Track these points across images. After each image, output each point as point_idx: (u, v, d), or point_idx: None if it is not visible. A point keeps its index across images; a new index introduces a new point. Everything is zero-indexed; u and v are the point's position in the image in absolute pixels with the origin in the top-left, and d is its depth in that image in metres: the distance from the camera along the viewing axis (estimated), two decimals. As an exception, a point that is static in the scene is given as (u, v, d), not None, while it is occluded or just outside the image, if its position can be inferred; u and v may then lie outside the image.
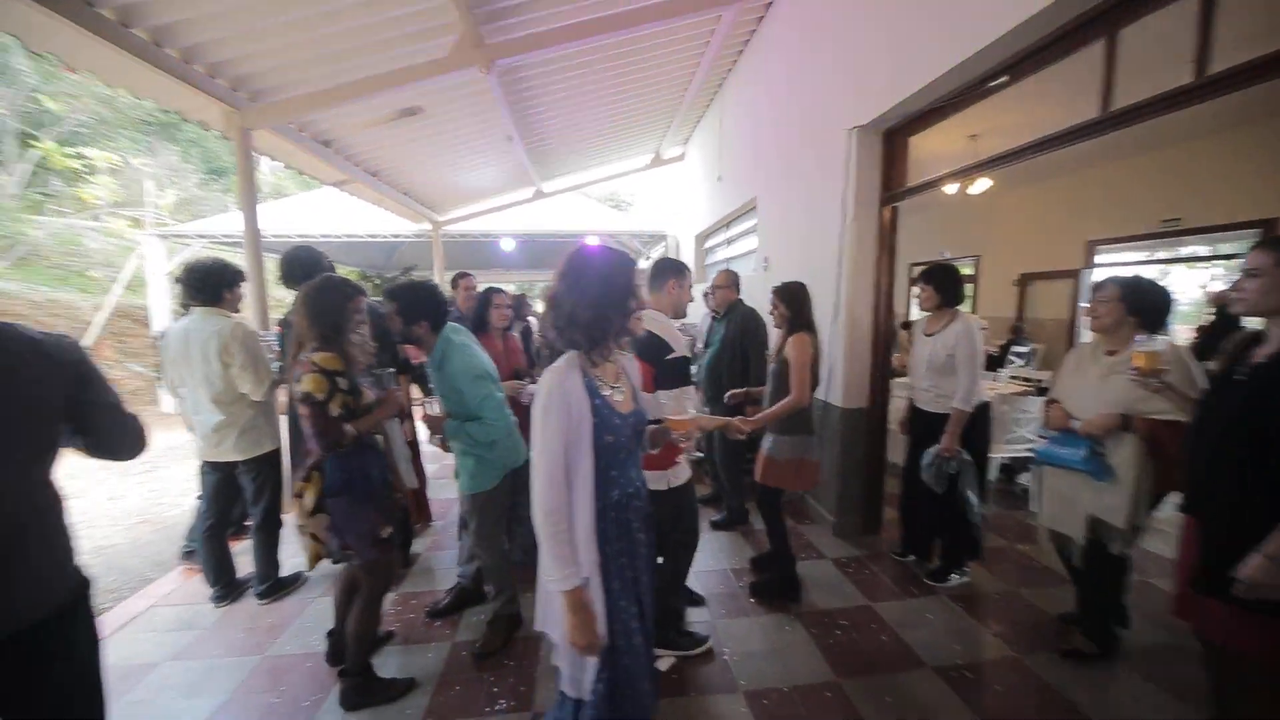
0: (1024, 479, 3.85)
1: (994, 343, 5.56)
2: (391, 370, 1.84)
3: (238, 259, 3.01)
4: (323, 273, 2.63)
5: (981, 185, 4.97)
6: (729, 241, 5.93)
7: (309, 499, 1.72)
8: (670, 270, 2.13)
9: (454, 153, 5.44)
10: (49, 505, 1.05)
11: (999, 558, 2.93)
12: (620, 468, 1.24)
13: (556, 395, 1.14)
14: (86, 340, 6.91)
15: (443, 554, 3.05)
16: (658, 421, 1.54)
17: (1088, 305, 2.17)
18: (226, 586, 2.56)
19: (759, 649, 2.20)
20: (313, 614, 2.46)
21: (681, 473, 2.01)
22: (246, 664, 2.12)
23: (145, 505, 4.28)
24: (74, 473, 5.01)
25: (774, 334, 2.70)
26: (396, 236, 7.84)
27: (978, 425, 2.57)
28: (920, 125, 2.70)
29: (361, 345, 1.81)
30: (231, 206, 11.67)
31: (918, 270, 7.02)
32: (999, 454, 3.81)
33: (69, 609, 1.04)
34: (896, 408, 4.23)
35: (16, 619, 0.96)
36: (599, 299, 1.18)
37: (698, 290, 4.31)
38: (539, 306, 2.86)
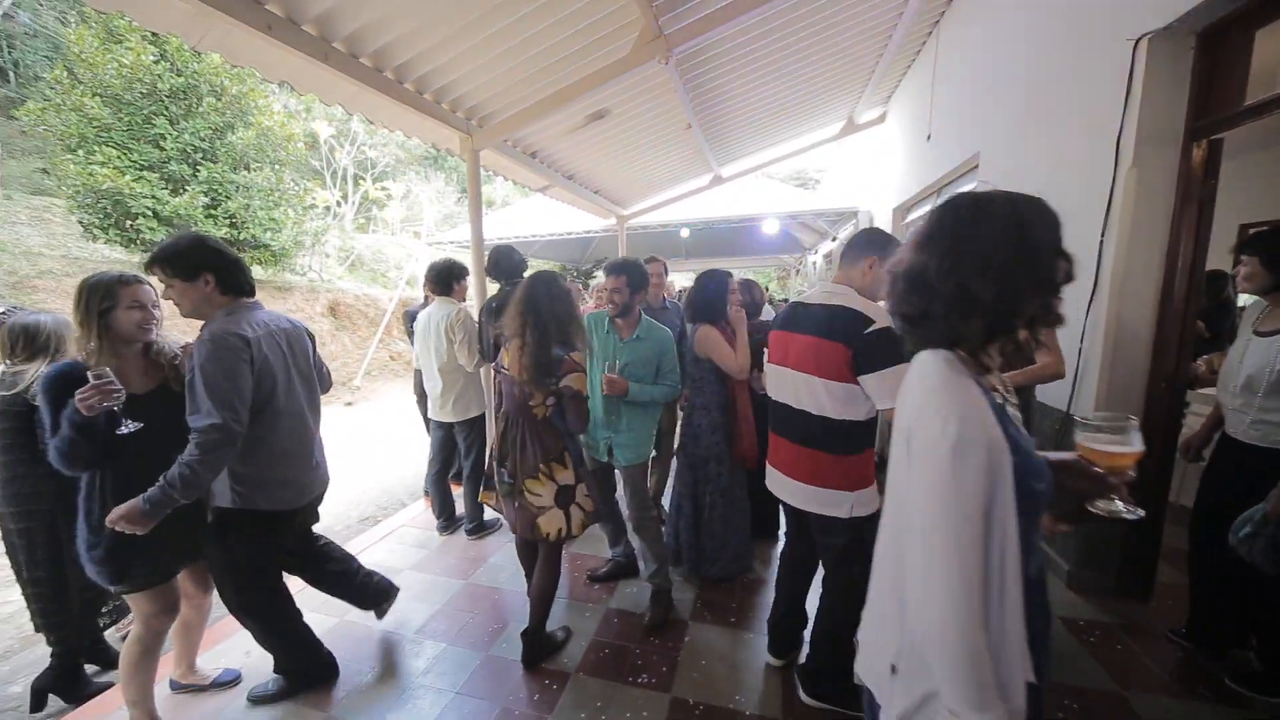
0: None
1: None
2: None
3: (467, 258, 3.75)
4: (521, 269, 3.07)
5: None
6: (937, 214, 4.96)
7: (569, 473, 1.95)
8: (874, 243, 1.62)
9: (636, 148, 5.74)
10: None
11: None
12: (1037, 530, 0.81)
13: (974, 423, 0.71)
14: (383, 323, 9.49)
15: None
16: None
17: None
18: (448, 520, 3.21)
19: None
20: (503, 556, 2.91)
21: (873, 498, 1.61)
22: (455, 585, 2.63)
23: (410, 447, 5.68)
24: (371, 423, 6.86)
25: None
26: (588, 232, 8.69)
27: None
28: (1277, 7, 1.79)
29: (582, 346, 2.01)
30: (474, 217, 14.66)
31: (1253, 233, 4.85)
32: None
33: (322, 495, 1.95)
34: (1191, 427, 3.04)
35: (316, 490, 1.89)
36: (1010, 263, 0.76)
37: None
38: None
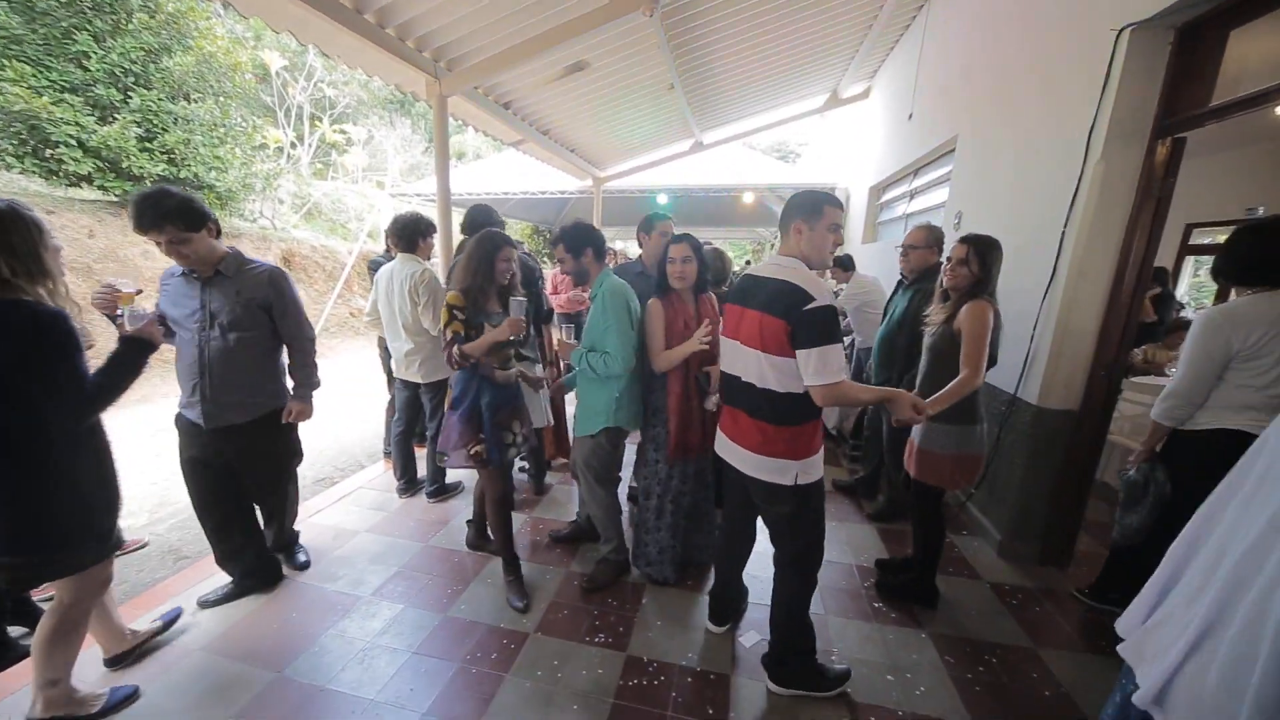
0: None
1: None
2: (522, 299, 2.01)
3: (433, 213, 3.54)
4: (491, 227, 2.99)
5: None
6: (911, 194, 5.02)
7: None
8: (801, 208, 1.57)
9: (616, 107, 5.50)
10: (275, 355, 2.12)
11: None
12: None
13: None
14: (341, 277, 9.02)
15: (573, 487, 3.32)
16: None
17: None
18: (408, 482, 3.16)
19: (877, 660, 1.95)
20: (464, 519, 2.89)
21: (817, 466, 1.65)
22: (414, 547, 2.61)
23: (370, 406, 5.52)
24: (329, 382, 6.60)
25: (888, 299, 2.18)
26: (563, 193, 8.40)
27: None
28: (1254, 9, 1.82)
29: (492, 291, 2.09)
30: (442, 169, 13.83)
31: (1202, 236, 5.12)
32: None
33: (272, 413, 2.09)
34: (1128, 415, 3.26)
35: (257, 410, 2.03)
36: None
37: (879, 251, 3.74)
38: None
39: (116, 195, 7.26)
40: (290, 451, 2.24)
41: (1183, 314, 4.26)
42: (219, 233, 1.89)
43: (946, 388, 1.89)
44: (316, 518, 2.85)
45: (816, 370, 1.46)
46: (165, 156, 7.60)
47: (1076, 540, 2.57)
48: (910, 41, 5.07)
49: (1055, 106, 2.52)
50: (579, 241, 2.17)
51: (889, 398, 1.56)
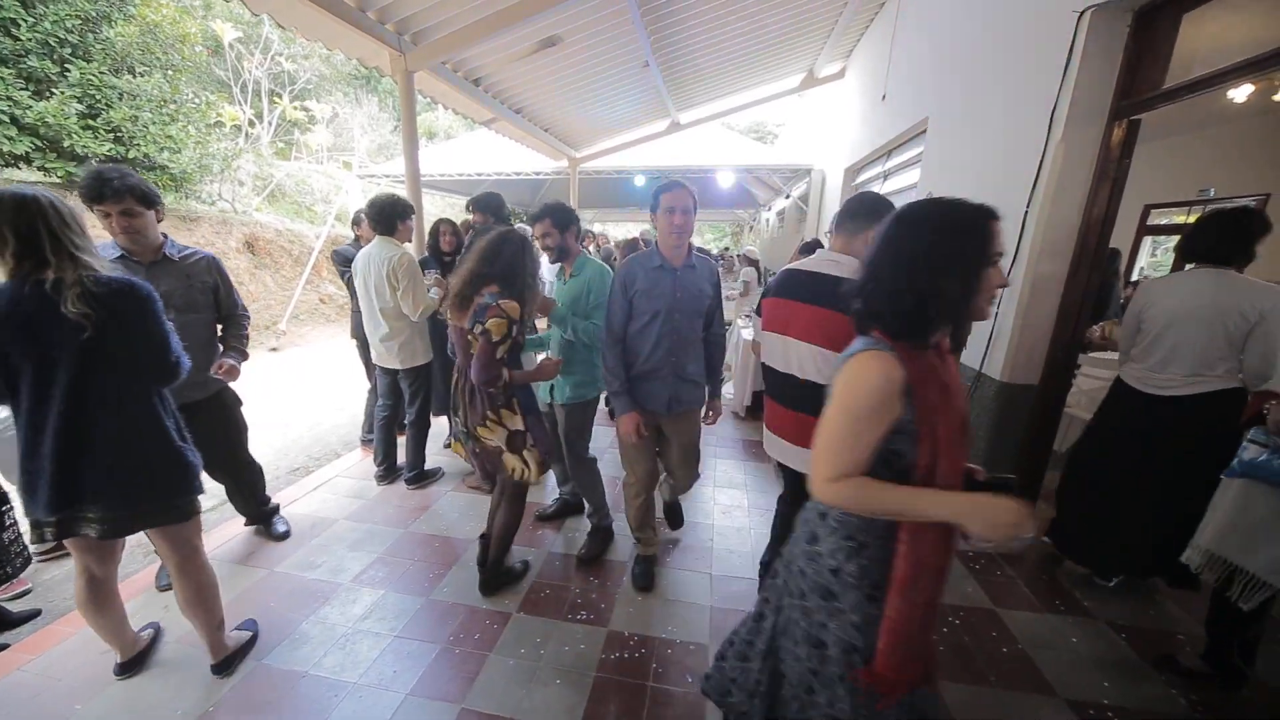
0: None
1: None
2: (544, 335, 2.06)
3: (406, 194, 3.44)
4: (504, 216, 3.07)
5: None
6: (885, 175, 5.08)
7: (517, 419, 1.93)
8: (877, 213, 1.59)
9: (590, 85, 5.39)
10: (215, 335, 2.19)
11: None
12: None
13: None
14: (309, 262, 8.69)
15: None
16: None
17: None
18: (387, 469, 3.13)
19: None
20: (444, 504, 2.90)
21: None
22: (394, 534, 2.60)
23: (345, 395, 5.41)
24: (300, 370, 6.44)
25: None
26: (539, 174, 8.23)
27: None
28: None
29: (537, 294, 2.00)
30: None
31: (1160, 216, 5.32)
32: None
33: (218, 393, 2.19)
34: (1085, 389, 3.41)
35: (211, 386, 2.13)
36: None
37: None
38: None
39: (60, 177, 6.82)
40: (241, 425, 2.38)
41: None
42: (160, 220, 1.98)
43: None
44: (293, 507, 2.80)
45: None
46: (111, 135, 7.15)
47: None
48: (884, 21, 5.07)
49: (1020, 89, 2.57)
50: (565, 219, 2.19)
51: None
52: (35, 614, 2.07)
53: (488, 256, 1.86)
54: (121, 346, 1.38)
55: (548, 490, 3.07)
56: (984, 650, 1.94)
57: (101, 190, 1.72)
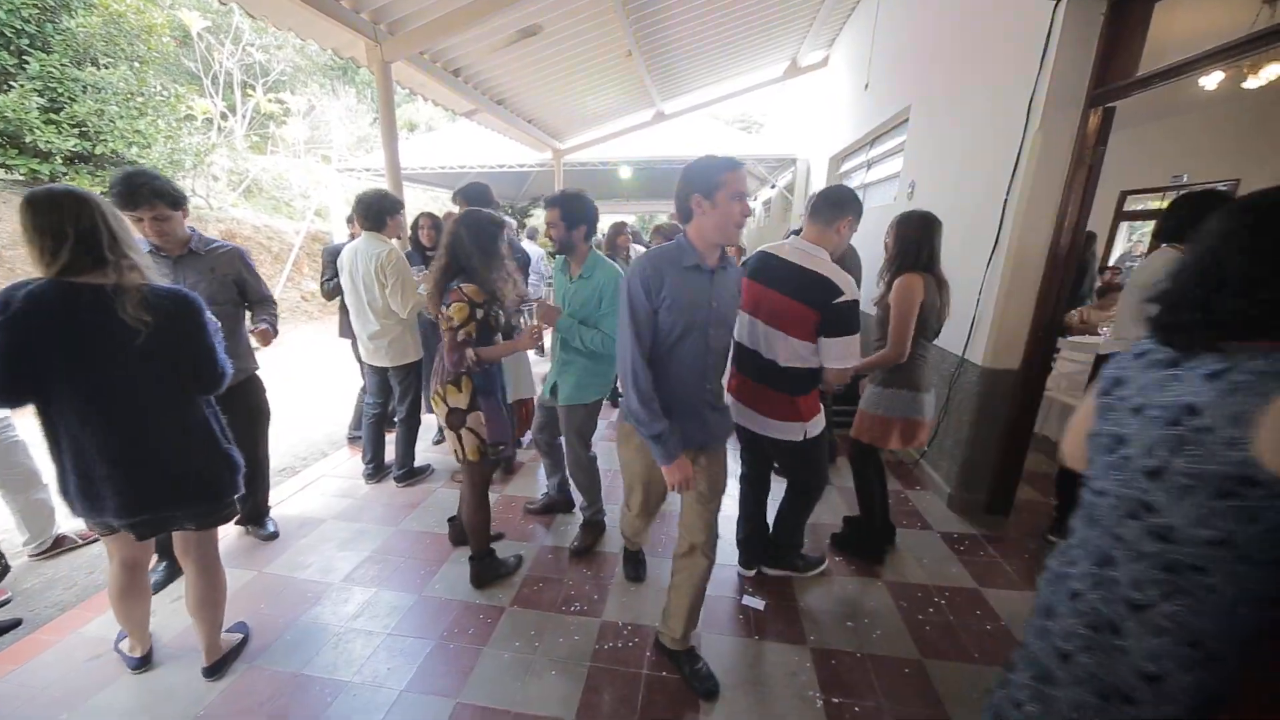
0: None
1: None
2: (532, 304, 2.01)
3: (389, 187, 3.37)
4: (488, 207, 3.01)
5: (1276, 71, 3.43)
6: (869, 164, 5.11)
7: (462, 398, 1.95)
8: (849, 204, 1.79)
9: (573, 75, 5.32)
10: (243, 325, 2.26)
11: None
12: None
13: None
14: (289, 259, 8.52)
15: (538, 463, 3.33)
16: None
17: None
18: (376, 468, 3.10)
19: (834, 609, 2.09)
20: (434, 501, 2.89)
21: (820, 421, 1.95)
22: (385, 531, 2.59)
23: (331, 394, 5.33)
24: (285, 369, 6.33)
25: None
26: (522, 166, 8.14)
27: None
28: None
29: (509, 279, 1.98)
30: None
31: (1135, 202, 5.42)
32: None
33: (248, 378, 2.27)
34: (1064, 372, 3.49)
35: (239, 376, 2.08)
36: None
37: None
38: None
39: (23, 174, 6.58)
40: (263, 409, 2.41)
41: (1119, 279, 4.55)
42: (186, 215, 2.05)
43: (869, 358, 2.09)
44: (281, 507, 2.77)
45: (839, 356, 1.73)
46: (76, 130, 6.91)
47: (1017, 490, 2.78)
48: (866, 10, 5.07)
49: (1000, 76, 2.59)
50: (576, 216, 2.08)
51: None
52: (16, 623, 2.02)
53: (448, 245, 1.94)
54: (173, 354, 1.41)
55: (539, 484, 3.08)
56: (969, 628, 2.00)
57: (135, 198, 1.80)
